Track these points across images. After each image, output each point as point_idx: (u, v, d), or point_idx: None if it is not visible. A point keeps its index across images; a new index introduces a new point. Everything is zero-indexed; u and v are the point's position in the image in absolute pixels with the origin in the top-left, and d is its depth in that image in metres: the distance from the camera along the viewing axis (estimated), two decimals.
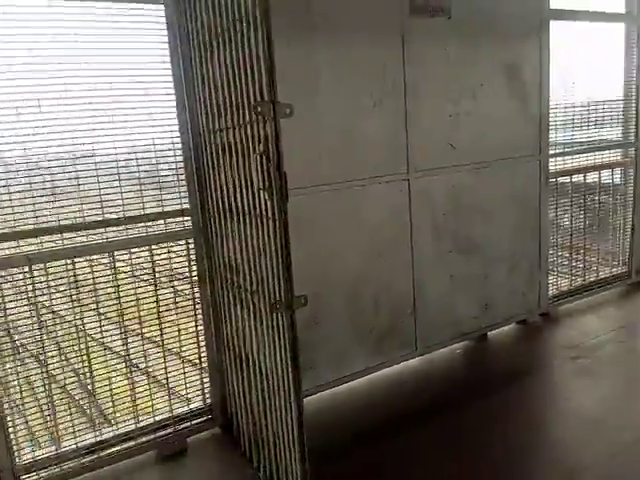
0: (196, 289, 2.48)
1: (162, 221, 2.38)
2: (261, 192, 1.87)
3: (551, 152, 3.55)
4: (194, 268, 2.46)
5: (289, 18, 2.45)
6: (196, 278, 2.46)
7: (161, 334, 2.41)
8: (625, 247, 4.20)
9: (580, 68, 3.70)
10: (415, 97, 2.91)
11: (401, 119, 2.88)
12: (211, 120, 2.24)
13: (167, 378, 2.48)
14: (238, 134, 2.01)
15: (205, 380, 2.60)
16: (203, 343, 2.54)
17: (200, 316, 2.52)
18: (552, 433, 2.43)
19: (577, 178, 3.89)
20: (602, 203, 4.04)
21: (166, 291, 2.43)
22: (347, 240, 2.80)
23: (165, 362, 2.46)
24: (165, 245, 2.39)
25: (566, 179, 3.81)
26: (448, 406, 2.67)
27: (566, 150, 3.72)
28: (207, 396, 2.63)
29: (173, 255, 2.44)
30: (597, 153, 3.89)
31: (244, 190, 2.02)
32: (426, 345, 3.18)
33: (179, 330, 2.45)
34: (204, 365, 2.56)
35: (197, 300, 2.49)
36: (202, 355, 2.55)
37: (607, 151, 3.94)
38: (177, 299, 2.47)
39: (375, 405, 2.78)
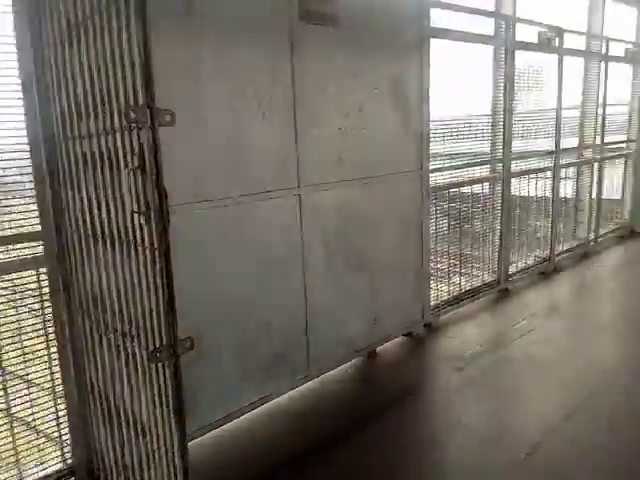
0: (51, 329, 2.03)
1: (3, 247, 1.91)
2: (135, 215, 1.55)
3: (431, 167, 3.66)
4: (47, 304, 2.01)
5: (166, 10, 2.13)
6: (50, 317, 2.01)
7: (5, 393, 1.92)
8: (494, 255, 4.51)
9: (457, 86, 3.88)
10: (305, 108, 2.75)
11: (291, 131, 2.71)
12: (69, 125, 1.84)
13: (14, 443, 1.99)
14: (105, 143, 1.65)
15: (65, 437, 2.14)
16: (62, 394, 2.09)
17: (56, 362, 2.06)
18: (445, 453, 2.43)
19: (454, 190, 4.07)
20: (475, 215, 4.28)
21: (9, 334, 1.95)
22: (234, 263, 2.53)
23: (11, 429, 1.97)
24: (7, 277, 1.91)
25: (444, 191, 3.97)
26: (338, 438, 2.53)
27: (445, 165, 3.86)
28: (67, 456, 2.18)
29: (20, 289, 1.97)
30: (470, 169, 4.12)
31: (113, 211, 1.68)
32: (319, 368, 3.03)
33: (28, 383, 1.98)
34: (62, 422, 2.11)
35: (52, 343, 2.03)
36: (60, 410, 2.09)
37: (479, 167, 4.19)
38: (25, 342, 2.00)
39: (265, 441, 2.55)
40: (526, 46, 4.46)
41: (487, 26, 4.10)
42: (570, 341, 3.59)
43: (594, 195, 5.79)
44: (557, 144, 4.95)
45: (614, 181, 6.25)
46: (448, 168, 3.89)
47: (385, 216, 3.34)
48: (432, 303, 3.88)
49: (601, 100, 5.53)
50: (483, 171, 4.27)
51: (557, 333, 3.69)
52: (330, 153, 2.95)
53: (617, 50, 5.76)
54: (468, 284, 4.30)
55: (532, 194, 4.92)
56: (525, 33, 4.54)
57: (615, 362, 3.22)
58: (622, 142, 6.17)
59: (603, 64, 5.47)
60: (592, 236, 5.85)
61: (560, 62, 4.83)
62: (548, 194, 5.05)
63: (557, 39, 4.77)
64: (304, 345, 2.94)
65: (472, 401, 2.85)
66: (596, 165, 5.72)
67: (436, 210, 3.85)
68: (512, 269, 4.70)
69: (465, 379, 3.05)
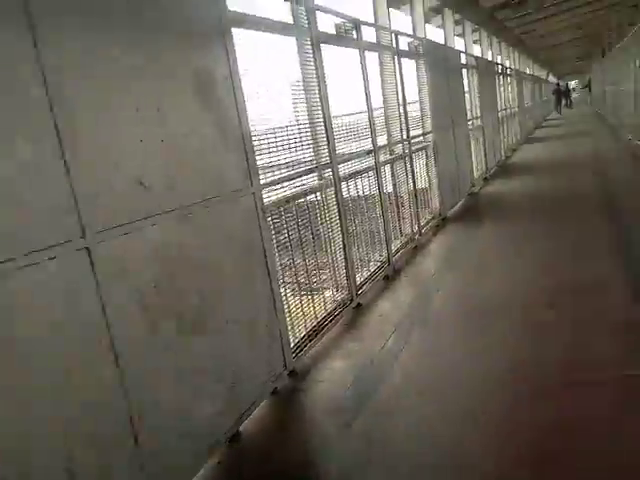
0: None
1: None
2: None
3: (262, 181, 2.97)
4: None
5: None
6: None
7: None
8: (342, 271, 4.04)
9: (277, 86, 3.26)
10: (75, 116, 1.79)
11: (53, 153, 1.72)
12: None
13: None
14: None
15: None
16: None
17: None
18: None
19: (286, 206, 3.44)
20: (316, 229, 3.73)
21: None
22: None
23: None
24: None
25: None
26: None
27: (276, 178, 3.21)
28: None
29: None
30: (301, 178, 3.54)
31: None
32: None
33: None
34: None
35: None
36: None
37: (310, 175, 3.65)
38: None
39: None
40: (329, 39, 4.10)
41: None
42: (444, 355, 3.25)
43: (411, 188, 5.84)
44: (374, 143, 4.74)
45: (423, 172, 6.45)
46: (279, 180, 3.24)
47: (219, 254, 2.52)
48: (292, 344, 3.20)
49: (401, 95, 5.57)
50: (310, 180, 3.74)
51: (427, 346, 3.34)
52: (125, 178, 2.02)
53: (403, 45, 5.91)
54: (323, 309, 3.73)
55: (363, 195, 4.61)
56: (328, 25, 4.20)
57: (503, 368, 2.97)
58: (423, 135, 6.40)
59: (396, 59, 5.51)
60: (416, 229, 5.90)
61: (362, 57, 4.62)
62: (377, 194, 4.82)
63: (355, 32, 4.55)
64: (133, 466, 1.95)
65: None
66: (407, 159, 5.76)
67: (276, 233, 3.17)
68: (359, 278, 4.30)
69: (360, 439, 2.42)
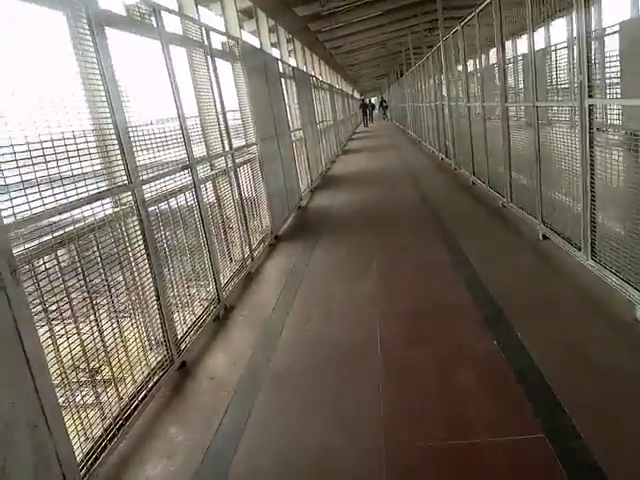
0: None
1: None
2: None
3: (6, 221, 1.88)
4: None
5: None
6: None
7: None
8: (156, 323, 3.07)
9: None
10: None
11: None
12: None
13: None
14: None
15: None
16: None
17: None
18: None
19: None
20: (113, 277, 2.69)
21: None
22: None
23: None
24: None
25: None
26: None
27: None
28: None
29: None
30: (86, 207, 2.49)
31: None
32: None
33: None
34: None
35: None
36: None
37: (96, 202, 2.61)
38: None
39: None
40: (116, 21, 3.10)
41: None
42: (295, 434, 2.54)
43: (239, 207, 5.07)
44: (190, 156, 3.85)
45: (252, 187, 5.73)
46: (40, 217, 2.16)
47: None
48: (79, 458, 2.14)
49: (219, 101, 4.77)
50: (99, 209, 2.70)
51: (276, 423, 2.58)
52: None
53: (217, 44, 5.13)
54: (131, 383, 2.71)
55: (180, 220, 3.68)
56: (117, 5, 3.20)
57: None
58: (247, 146, 5.69)
59: (210, 59, 4.70)
60: (247, 253, 5.15)
61: (166, 51, 3.71)
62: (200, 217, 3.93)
63: (154, 18, 3.62)
64: None
65: None
66: (232, 174, 4.98)
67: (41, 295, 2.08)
68: (180, 329, 3.37)
69: None
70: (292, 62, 11.34)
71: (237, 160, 5.21)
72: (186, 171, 3.80)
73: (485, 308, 3.45)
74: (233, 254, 4.91)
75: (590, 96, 3.48)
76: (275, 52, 10.15)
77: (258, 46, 7.88)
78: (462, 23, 7.19)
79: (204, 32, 4.59)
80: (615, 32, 3.35)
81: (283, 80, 8.65)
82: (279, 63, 8.21)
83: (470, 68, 7.61)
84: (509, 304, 3.43)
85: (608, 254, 3.42)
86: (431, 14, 16.45)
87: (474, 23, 6.53)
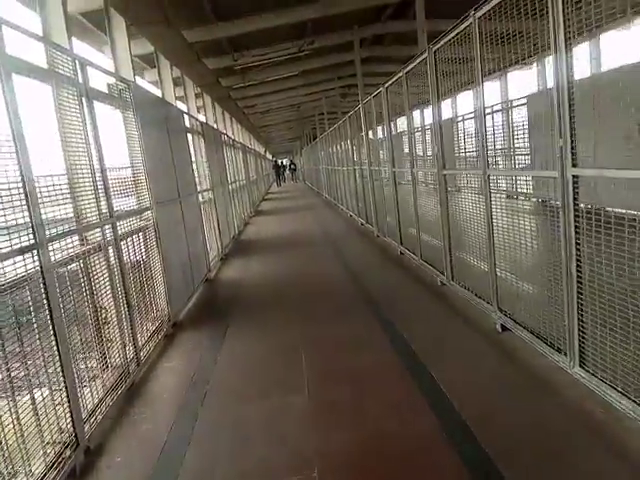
0: None
1: None
2: None
3: None
4: None
5: None
6: None
7: None
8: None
9: None
10: None
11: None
12: None
13: None
14: None
15: None
16: None
17: None
18: None
19: None
20: None
21: None
22: None
23: None
24: None
25: None
26: None
27: None
28: None
29: None
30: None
31: None
32: None
33: None
34: None
35: None
36: None
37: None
38: None
39: None
40: None
41: None
42: None
43: (121, 292, 3.81)
44: (36, 231, 2.63)
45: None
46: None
47: None
48: None
49: (96, 154, 3.61)
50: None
51: None
52: None
53: (100, 85, 4.03)
54: None
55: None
56: None
57: None
58: (140, 212, 4.50)
59: (85, 101, 3.56)
60: (132, 354, 3.85)
61: (5, 82, 2.55)
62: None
63: None
64: None
65: None
66: (113, 249, 3.75)
67: None
68: None
69: None
70: (202, 118, 10.42)
71: (124, 229, 4.02)
72: (31, 251, 2.57)
73: (464, 449, 2.49)
74: (110, 358, 3.60)
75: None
76: (182, 106, 9.18)
77: (160, 95, 6.85)
78: (387, 85, 6.74)
79: (78, 65, 3.48)
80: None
81: (190, 136, 7.66)
82: (185, 116, 7.21)
83: (401, 129, 7.14)
84: (494, 440, 2.51)
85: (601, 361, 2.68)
86: (344, 79, 16.63)
87: (398, 86, 6.08)
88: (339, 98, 16.47)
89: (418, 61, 5.12)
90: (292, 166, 39.22)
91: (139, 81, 6.51)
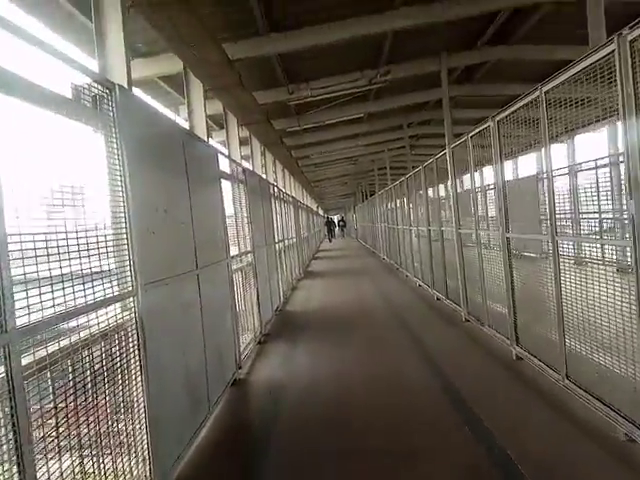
0: None
1: None
2: None
3: None
4: None
5: None
6: None
7: None
8: None
9: None
10: None
11: None
12: None
13: None
14: None
15: None
16: None
17: None
18: None
19: None
20: None
21: None
22: None
23: None
24: None
25: None
26: None
27: None
28: None
29: None
30: None
31: None
32: None
33: None
34: None
35: None
36: None
37: None
38: None
39: None
40: None
41: None
42: None
43: None
44: None
45: None
46: None
47: None
48: None
49: None
50: None
51: None
52: None
53: None
54: None
55: None
56: None
57: None
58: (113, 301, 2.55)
59: None
60: None
61: None
62: None
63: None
64: None
65: None
66: None
67: None
68: None
69: None
70: (246, 164, 8.76)
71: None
72: None
73: None
74: None
75: None
76: (223, 149, 7.54)
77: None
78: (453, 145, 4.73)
79: None
80: None
81: (229, 184, 5.90)
82: (219, 157, 5.42)
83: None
84: None
85: None
86: (413, 128, 14.92)
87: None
88: (408, 150, 14.66)
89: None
90: (341, 223, 42.09)
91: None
